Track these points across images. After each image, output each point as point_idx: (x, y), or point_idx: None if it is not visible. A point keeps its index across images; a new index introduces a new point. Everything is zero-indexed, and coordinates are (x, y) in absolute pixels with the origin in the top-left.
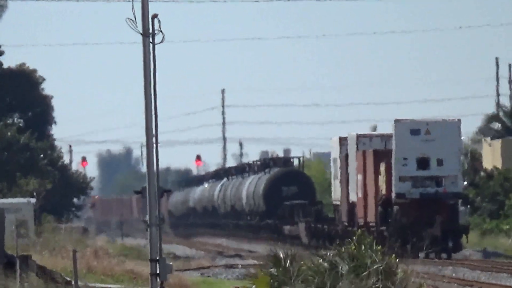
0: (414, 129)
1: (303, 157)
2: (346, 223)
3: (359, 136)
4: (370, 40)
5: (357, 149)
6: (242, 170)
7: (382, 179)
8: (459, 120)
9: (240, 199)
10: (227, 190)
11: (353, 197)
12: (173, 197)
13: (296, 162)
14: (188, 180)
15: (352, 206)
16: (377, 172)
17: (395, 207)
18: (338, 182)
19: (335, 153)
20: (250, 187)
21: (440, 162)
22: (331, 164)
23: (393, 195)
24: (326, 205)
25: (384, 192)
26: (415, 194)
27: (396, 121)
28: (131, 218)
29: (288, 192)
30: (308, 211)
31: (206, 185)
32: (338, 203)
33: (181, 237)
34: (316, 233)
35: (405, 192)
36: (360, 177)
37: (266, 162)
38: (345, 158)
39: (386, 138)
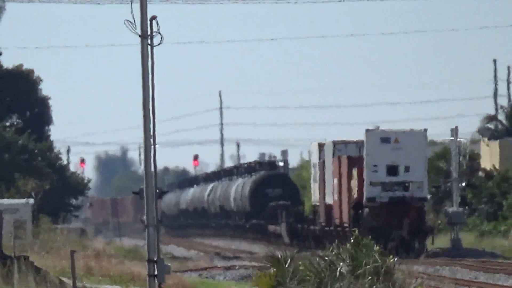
0: (384, 138)
1: (287, 160)
2: (324, 224)
3: (335, 143)
4: (369, 41)
5: (334, 155)
6: (230, 172)
7: (354, 183)
8: (425, 130)
9: (228, 201)
10: (217, 192)
11: (329, 200)
12: (166, 198)
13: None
14: (180, 182)
15: (329, 208)
16: (350, 177)
17: (366, 210)
18: (317, 185)
19: (315, 158)
20: (238, 189)
21: (407, 169)
22: (311, 168)
23: (364, 198)
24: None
25: (356, 195)
26: (384, 198)
27: (367, 130)
28: (126, 219)
29: (273, 193)
30: (291, 211)
31: (196, 187)
32: (317, 204)
33: (174, 237)
34: (296, 233)
35: (375, 196)
36: (335, 181)
37: (253, 166)
38: (322, 163)
39: (361, 144)
